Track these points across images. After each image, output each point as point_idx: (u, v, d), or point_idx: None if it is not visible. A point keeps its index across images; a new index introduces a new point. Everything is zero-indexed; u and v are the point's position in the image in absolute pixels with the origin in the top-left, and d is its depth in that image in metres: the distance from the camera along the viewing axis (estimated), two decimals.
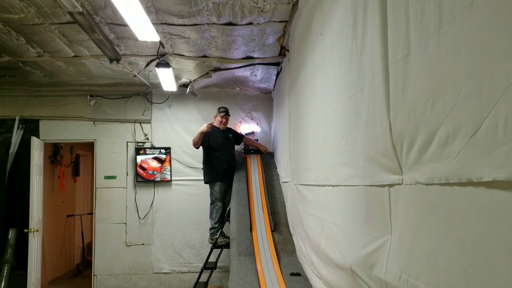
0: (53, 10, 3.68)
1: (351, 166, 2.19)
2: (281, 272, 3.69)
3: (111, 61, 4.81)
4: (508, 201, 1.00)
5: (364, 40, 1.96)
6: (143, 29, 3.68)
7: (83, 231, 8.15)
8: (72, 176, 8.17)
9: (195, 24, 4.05)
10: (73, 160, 8.06)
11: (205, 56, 5.03)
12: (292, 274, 3.64)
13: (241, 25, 4.09)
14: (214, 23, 4.04)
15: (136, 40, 4.18)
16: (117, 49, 4.66)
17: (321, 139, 2.86)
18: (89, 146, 7.83)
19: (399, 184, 1.61)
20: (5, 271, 5.82)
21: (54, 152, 7.09)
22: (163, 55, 4.90)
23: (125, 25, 3.76)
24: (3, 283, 5.73)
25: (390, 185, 1.69)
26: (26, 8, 3.61)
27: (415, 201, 1.49)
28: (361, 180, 2.02)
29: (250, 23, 4.06)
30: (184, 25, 4.05)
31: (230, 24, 4.07)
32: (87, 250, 7.97)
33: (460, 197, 1.20)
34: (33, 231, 5.75)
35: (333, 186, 2.57)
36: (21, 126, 6.37)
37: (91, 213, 7.70)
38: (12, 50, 4.64)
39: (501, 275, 1.03)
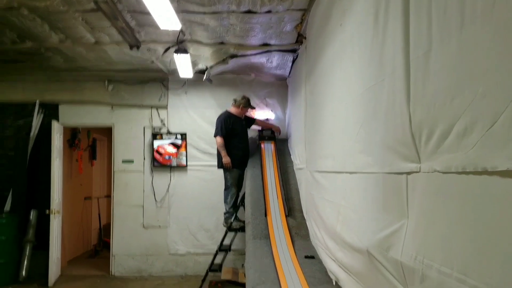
0: None
1: (369, 154, 2.28)
2: (296, 254, 3.82)
3: (131, 47, 4.91)
4: None
5: (386, 33, 2.03)
6: (166, 17, 3.76)
7: (100, 213, 8.38)
8: (89, 159, 8.35)
9: (215, 12, 4.13)
10: (90, 144, 8.23)
11: (222, 43, 5.10)
12: (306, 257, 3.76)
13: (260, 13, 4.15)
14: (234, 11, 4.10)
15: (157, 27, 4.27)
16: (137, 36, 4.76)
17: (340, 128, 2.94)
18: (105, 131, 7.98)
19: (416, 172, 1.71)
20: (28, 250, 6.07)
21: (72, 136, 7.24)
22: (181, 41, 4.97)
23: (147, 13, 3.84)
24: (26, 261, 5.98)
25: (408, 173, 1.79)
26: None
27: (432, 188, 1.59)
28: (379, 168, 2.11)
29: (269, 11, 4.12)
30: (205, 13, 4.13)
31: (249, 12, 4.14)
32: (104, 232, 8.20)
33: (475, 185, 1.29)
34: (54, 213, 5.95)
35: (350, 173, 2.66)
36: (41, 110, 6.50)
37: (108, 196, 7.89)
38: (36, 36, 4.76)
39: None
